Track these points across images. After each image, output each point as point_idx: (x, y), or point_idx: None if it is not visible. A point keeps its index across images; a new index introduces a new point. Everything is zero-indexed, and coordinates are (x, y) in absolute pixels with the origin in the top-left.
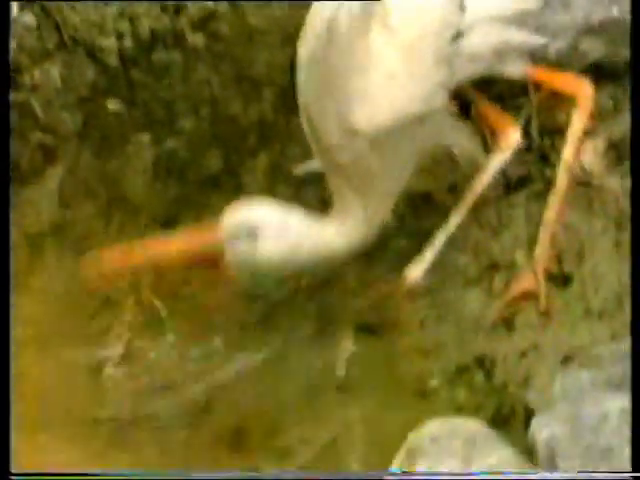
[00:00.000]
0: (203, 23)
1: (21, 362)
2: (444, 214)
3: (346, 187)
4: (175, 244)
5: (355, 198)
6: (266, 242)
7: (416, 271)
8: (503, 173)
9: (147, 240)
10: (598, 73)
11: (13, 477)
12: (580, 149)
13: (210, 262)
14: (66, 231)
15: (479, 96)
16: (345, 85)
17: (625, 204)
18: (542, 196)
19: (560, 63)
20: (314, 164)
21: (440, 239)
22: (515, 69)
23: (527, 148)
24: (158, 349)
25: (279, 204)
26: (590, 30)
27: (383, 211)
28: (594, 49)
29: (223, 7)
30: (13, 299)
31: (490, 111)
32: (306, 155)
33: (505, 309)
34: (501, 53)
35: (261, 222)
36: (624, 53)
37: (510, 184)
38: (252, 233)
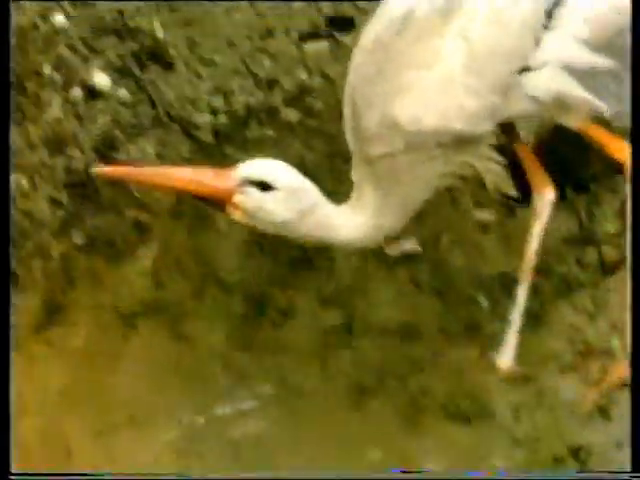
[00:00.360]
0: (297, 99)
1: (118, 443)
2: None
3: (367, 182)
4: (190, 174)
5: (372, 195)
6: (277, 198)
7: (506, 357)
8: (598, 256)
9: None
10: None
11: (13, 477)
12: None
13: (216, 202)
14: (159, 311)
15: (525, 147)
16: (401, 76)
17: None
18: None
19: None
20: (408, 244)
21: (515, 318)
22: (571, 120)
23: (621, 232)
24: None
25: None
26: None
27: (394, 219)
28: None
29: (317, 82)
30: (106, 380)
31: (531, 165)
32: (401, 235)
33: (601, 397)
34: (561, 102)
35: (278, 179)
36: None
37: (607, 268)
38: (266, 186)
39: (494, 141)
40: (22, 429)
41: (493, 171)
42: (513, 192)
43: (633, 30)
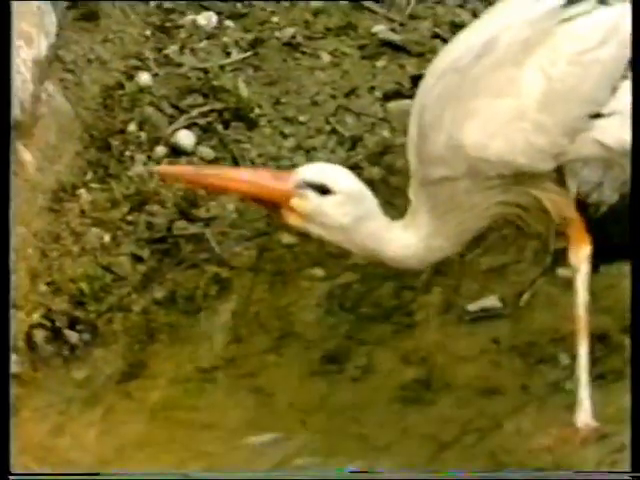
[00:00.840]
0: (379, 156)
1: None
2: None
3: (423, 204)
4: (249, 176)
5: (427, 217)
6: (335, 202)
7: (584, 414)
8: None
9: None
10: None
11: (13, 477)
12: None
13: (272, 204)
14: (238, 365)
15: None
16: (474, 101)
17: None
18: None
19: None
20: (489, 301)
21: (582, 376)
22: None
23: None
24: None
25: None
26: None
27: (447, 243)
28: None
29: (399, 140)
30: (184, 433)
31: (572, 217)
32: (481, 292)
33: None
34: (625, 153)
35: (337, 184)
36: None
37: None
38: (325, 189)
39: (554, 177)
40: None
41: (554, 200)
42: (574, 215)
43: (633, 30)
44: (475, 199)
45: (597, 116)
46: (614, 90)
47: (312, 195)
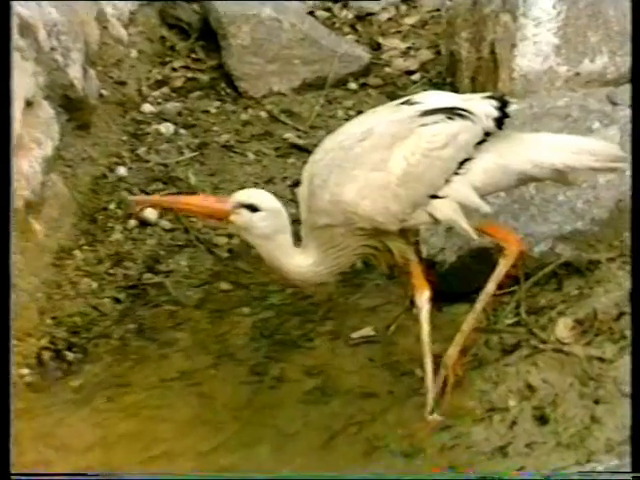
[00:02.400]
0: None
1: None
2: None
3: (312, 241)
4: (196, 201)
5: (315, 251)
6: (260, 217)
7: (433, 414)
8: (500, 342)
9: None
10: (568, 268)
11: (13, 477)
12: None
13: (217, 218)
14: (188, 377)
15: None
16: (353, 171)
17: (587, 367)
18: (529, 358)
19: (541, 262)
20: (365, 331)
21: (429, 384)
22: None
23: (517, 323)
24: None
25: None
26: (563, 237)
27: (328, 271)
28: (566, 251)
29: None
30: (150, 425)
31: (415, 268)
32: (361, 324)
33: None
34: (448, 226)
35: (263, 203)
36: (587, 255)
37: (506, 349)
38: (254, 208)
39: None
40: (90, 459)
41: (399, 247)
42: (414, 258)
43: (633, 31)
44: (348, 241)
45: (433, 197)
46: (447, 181)
47: (245, 212)
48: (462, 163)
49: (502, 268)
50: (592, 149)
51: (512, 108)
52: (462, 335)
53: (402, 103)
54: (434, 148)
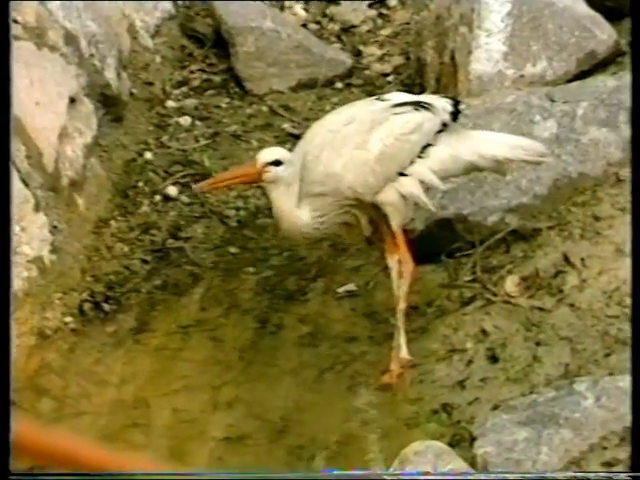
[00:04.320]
0: None
1: (176, 401)
2: None
3: (307, 205)
4: (236, 171)
5: (308, 210)
6: (283, 169)
7: (403, 351)
8: (459, 295)
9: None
10: (515, 235)
11: (13, 477)
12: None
13: (253, 180)
14: (204, 324)
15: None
16: (341, 149)
17: (531, 315)
18: (483, 309)
19: (493, 229)
20: (349, 287)
21: (401, 329)
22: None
23: (474, 280)
24: None
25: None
26: (511, 209)
27: (318, 227)
28: (513, 221)
29: None
30: (171, 364)
31: (398, 238)
32: (345, 281)
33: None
34: (411, 200)
35: (282, 157)
36: (530, 224)
37: (464, 301)
38: (278, 163)
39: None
40: (122, 391)
41: (365, 221)
42: (385, 229)
43: (633, 30)
44: (334, 209)
45: (401, 174)
46: (412, 162)
47: (272, 168)
48: (424, 148)
49: (404, 288)
50: (524, 145)
51: (463, 107)
52: (396, 352)
53: (375, 99)
54: (404, 133)
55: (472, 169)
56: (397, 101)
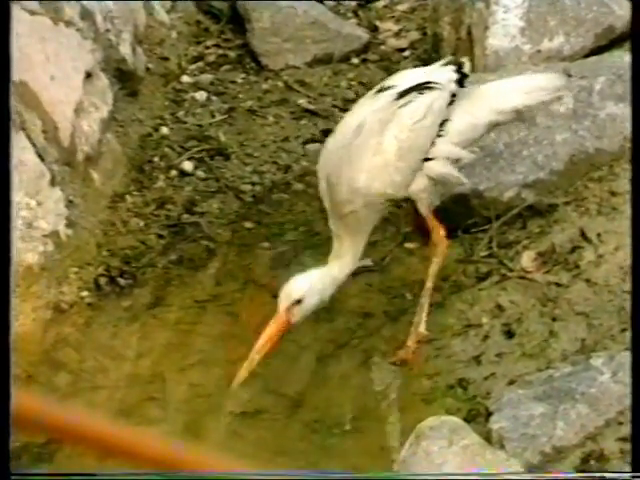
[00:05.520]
0: (301, 177)
1: (191, 375)
2: None
3: (343, 231)
4: (266, 334)
5: (347, 239)
6: (309, 300)
7: (422, 326)
8: (475, 270)
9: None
10: (531, 210)
11: (13, 477)
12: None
13: (286, 329)
14: (219, 299)
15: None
16: (359, 162)
17: (547, 291)
18: (499, 284)
19: (510, 205)
20: (365, 262)
21: (424, 307)
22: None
23: (490, 255)
24: None
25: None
26: (527, 185)
27: (362, 245)
28: (529, 196)
29: (313, 168)
30: (187, 338)
31: (430, 220)
32: (362, 256)
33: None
34: (443, 180)
35: (303, 291)
36: (546, 200)
37: (480, 276)
38: (299, 301)
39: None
40: (138, 365)
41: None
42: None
43: (633, 30)
44: (370, 218)
45: (426, 160)
46: (433, 144)
47: (296, 308)
48: (441, 125)
49: (435, 267)
50: (541, 85)
51: (467, 68)
52: (416, 328)
53: (378, 91)
54: (416, 121)
55: (494, 126)
56: (400, 89)
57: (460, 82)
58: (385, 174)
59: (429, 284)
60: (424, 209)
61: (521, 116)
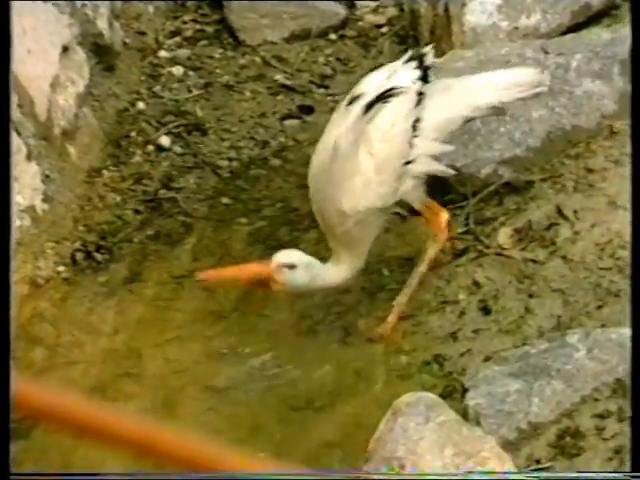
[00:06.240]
0: (279, 153)
1: (170, 349)
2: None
3: (339, 247)
4: (248, 269)
5: (344, 253)
6: (300, 273)
7: (402, 299)
8: (452, 247)
9: (229, 266)
10: (508, 187)
11: (13, 477)
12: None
13: (263, 284)
14: (194, 274)
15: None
16: (341, 184)
17: (523, 267)
18: (475, 260)
19: (486, 182)
20: None
21: (412, 283)
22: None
23: (466, 232)
24: None
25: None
26: (504, 161)
27: (360, 262)
28: (506, 173)
29: (290, 143)
30: (163, 314)
31: (427, 211)
32: None
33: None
34: (428, 174)
35: (298, 261)
36: (523, 177)
37: (457, 253)
38: (292, 267)
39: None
40: (115, 340)
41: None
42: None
43: (633, 30)
44: (367, 232)
45: (407, 163)
46: (411, 145)
47: (286, 270)
48: (414, 126)
49: (431, 252)
50: (518, 81)
51: (429, 61)
52: (399, 307)
53: (349, 103)
54: (386, 132)
55: (471, 119)
56: (367, 98)
57: (424, 77)
58: (369, 191)
59: (422, 268)
60: (418, 205)
61: (497, 111)
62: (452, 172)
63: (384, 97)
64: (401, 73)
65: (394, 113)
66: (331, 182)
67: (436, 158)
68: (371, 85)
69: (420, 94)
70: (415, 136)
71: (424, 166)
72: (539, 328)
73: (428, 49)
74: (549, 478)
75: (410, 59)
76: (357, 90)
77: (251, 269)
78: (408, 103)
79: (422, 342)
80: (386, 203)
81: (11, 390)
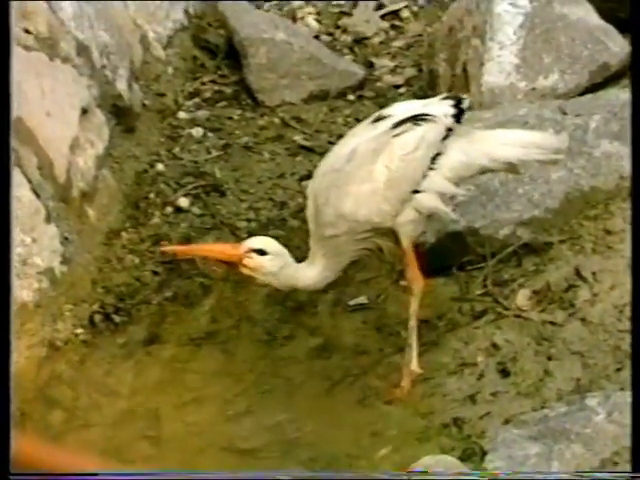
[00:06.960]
0: (297, 213)
1: (188, 410)
2: None
3: (319, 250)
4: (216, 247)
5: (322, 259)
6: (269, 260)
7: (414, 364)
8: (471, 308)
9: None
10: (527, 248)
11: (13, 477)
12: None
13: (231, 264)
14: (214, 336)
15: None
16: (347, 187)
17: (542, 329)
18: (494, 322)
19: (505, 243)
20: (360, 299)
21: (412, 345)
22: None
23: (485, 293)
24: None
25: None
26: (522, 223)
27: (333, 273)
28: (524, 234)
29: None
30: (182, 376)
31: (409, 260)
32: (357, 293)
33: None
34: (431, 214)
35: (269, 248)
36: (542, 238)
37: (475, 315)
38: (262, 252)
39: (390, 234)
40: (132, 402)
41: (388, 246)
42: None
43: (633, 29)
44: (348, 247)
45: (415, 192)
46: (424, 176)
47: (255, 256)
48: (434, 158)
49: (414, 305)
50: (538, 143)
51: (466, 104)
52: (408, 368)
53: (375, 120)
54: (408, 152)
55: (485, 171)
56: (396, 119)
57: (458, 117)
58: (372, 202)
59: (412, 323)
60: (406, 242)
61: (513, 168)
62: (453, 216)
63: (416, 119)
64: (437, 105)
65: (421, 137)
66: (339, 182)
67: (443, 198)
68: (402, 109)
69: (449, 130)
70: (431, 168)
71: (430, 201)
72: (558, 391)
73: (466, 95)
74: (548, 478)
75: (447, 98)
76: (385, 112)
77: (220, 249)
78: (436, 134)
79: (441, 404)
80: (383, 222)
81: (11, 390)
